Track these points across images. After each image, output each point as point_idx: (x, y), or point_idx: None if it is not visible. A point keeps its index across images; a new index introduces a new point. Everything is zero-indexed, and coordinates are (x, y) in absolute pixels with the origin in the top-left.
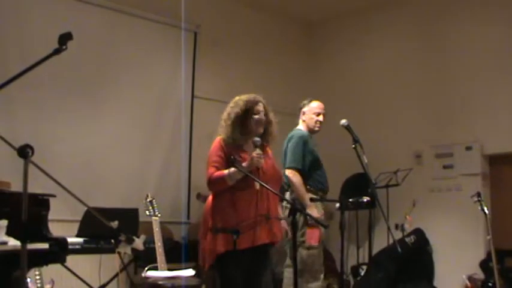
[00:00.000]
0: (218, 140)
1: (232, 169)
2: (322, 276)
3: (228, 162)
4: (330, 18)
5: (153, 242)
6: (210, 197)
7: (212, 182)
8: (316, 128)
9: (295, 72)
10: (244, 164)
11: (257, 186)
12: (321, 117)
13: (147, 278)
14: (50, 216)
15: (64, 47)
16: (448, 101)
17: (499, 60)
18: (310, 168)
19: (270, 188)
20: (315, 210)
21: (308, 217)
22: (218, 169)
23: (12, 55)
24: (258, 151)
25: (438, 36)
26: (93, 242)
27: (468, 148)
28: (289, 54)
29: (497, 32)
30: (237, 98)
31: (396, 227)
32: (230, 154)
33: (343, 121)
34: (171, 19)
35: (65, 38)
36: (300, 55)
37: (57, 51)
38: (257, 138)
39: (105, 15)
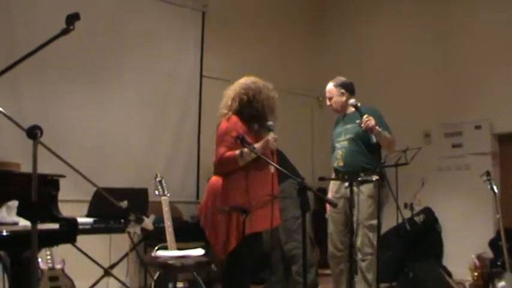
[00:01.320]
0: (234, 118)
1: (246, 150)
2: None
3: (239, 142)
4: None
5: (163, 222)
6: (214, 179)
7: (223, 162)
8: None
9: (304, 51)
10: (257, 145)
11: (272, 169)
12: (328, 102)
13: (156, 257)
14: (59, 197)
15: (72, 27)
16: (458, 80)
17: (508, 40)
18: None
19: (284, 170)
20: None
21: None
22: (229, 149)
23: (20, 36)
24: (273, 134)
25: (448, 15)
26: (103, 222)
27: (477, 127)
28: (298, 33)
29: (507, 12)
30: (253, 81)
31: (405, 206)
32: (243, 134)
33: (352, 100)
34: None
35: (72, 19)
36: (308, 34)
37: (64, 32)
38: (270, 122)
39: None
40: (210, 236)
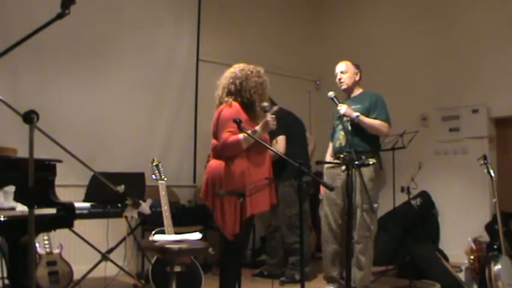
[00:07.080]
0: (236, 105)
1: (248, 132)
2: None
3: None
4: None
5: (160, 206)
6: (216, 162)
7: (228, 146)
8: (341, 87)
9: (301, 34)
10: (257, 128)
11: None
12: (338, 76)
13: (154, 241)
14: (56, 182)
15: (67, 11)
16: (455, 64)
17: (506, 23)
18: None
19: (283, 155)
20: None
21: None
22: (233, 134)
23: (15, 20)
24: (270, 115)
25: None
26: (100, 207)
27: (475, 111)
28: (296, 16)
29: None
30: (241, 69)
31: (402, 189)
32: (240, 119)
33: (330, 93)
34: None
35: (67, 3)
36: (306, 17)
37: (60, 16)
38: (265, 104)
39: None
40: (217, 218)
